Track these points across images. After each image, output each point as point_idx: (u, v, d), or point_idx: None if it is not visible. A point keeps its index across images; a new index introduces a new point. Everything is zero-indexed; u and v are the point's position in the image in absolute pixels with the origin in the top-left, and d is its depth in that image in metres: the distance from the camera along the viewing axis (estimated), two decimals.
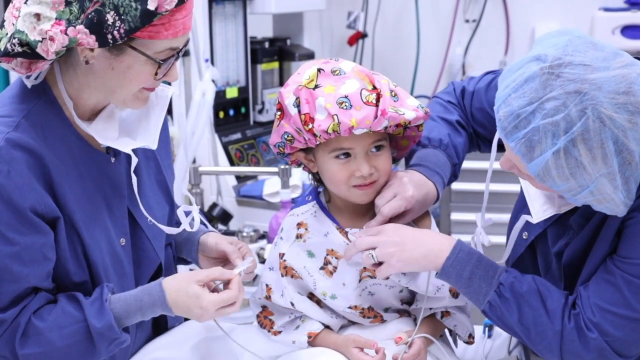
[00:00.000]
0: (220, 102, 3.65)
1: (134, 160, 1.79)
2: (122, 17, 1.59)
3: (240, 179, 3.61)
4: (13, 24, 1.63)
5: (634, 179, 1.54)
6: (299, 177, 3.34)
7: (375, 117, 1.73)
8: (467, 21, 4.51)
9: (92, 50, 1.64)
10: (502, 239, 1.92)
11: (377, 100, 1.75)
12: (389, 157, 1.85)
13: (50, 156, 1.68)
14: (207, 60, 3.46)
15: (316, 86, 1.77)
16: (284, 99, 1.81)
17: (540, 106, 1.52)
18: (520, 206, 1.90)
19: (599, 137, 1.49)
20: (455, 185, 4.14)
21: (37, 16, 1.60)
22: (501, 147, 1.69)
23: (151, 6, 1.60)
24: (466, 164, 4.29)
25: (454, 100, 2.06)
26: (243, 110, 3.81)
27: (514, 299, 1.72)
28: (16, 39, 1.61)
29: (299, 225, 1.92)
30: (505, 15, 4.46)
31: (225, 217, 3.27)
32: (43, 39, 1.60)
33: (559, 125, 1.51)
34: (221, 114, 3.69)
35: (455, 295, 1.89)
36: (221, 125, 3.67)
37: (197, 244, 2.02)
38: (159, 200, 1.93)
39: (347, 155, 1.81)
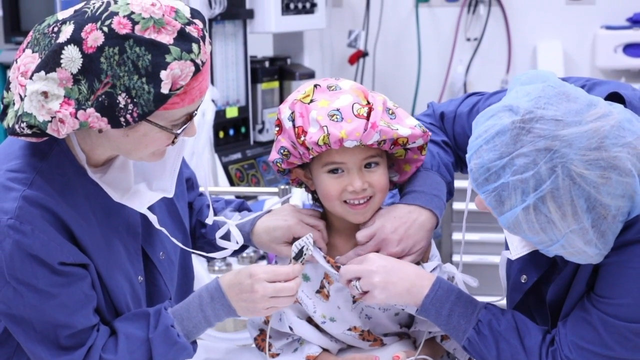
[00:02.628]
0: (220, 121, 3.63)
1: (153, 219, 1.77)
2: (135, 100, 1.51)
3: (240, 199, 3.58)
4: (20, 96, 1.56)
5: (611, 231, 1.53)
6: (299, 197, 3.31)
7: (365, 129, 1.72)
8: (468, 39, 4.51)
9: None
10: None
11: (369, 113, 1.74)
12: (384, 175, 1.83)
13: (67, 209, 1.64)
14: None
15: (311, 101, 1.78)
16: (281, 114, 1.82)
17: (510, 162, 1.51)
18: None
19: (569, 194, 1.48)
20: (457, 206, 4.13)
21: (45, 94, 1.52)
22: None
23: (164, 89, 1.52)
24: (467, 183, 4.28)
25: (435, 122, 2.04)
26: (243, 130, 3.79)
27: (492, 336, 1.72)
28: (24, 123, 1.54)
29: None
30: (506, 34, 4.45)
31: (224, 237, 3.25)
32: (52, 118, 1.53)
33: (528, 183, 1.50)
34: (221, 134, 3.67)
35: None
36: (221, 145, 3.65)
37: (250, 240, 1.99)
38: (172, 230, 1.89)
39: (340, 170, 1.79)
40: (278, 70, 3.96)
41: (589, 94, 1.57)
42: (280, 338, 1.93)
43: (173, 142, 1.65)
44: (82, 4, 1.60)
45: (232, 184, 3.60)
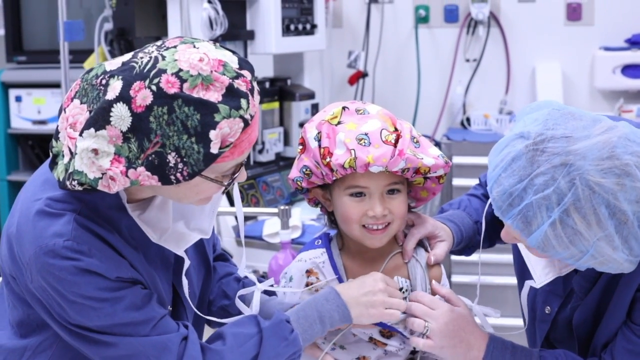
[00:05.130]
0: None
1: (187, 263, 1.77)
2: (185, 159, 1.50)
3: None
4: (69, 149, 1.56)
5: (633, 236, 1.57)
6: (299, 217, 3.32)
7: (392, 156, 1.73)
8: (467, 60, 4.53)
9: None
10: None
11: (397, 140, 1.75)
12: (404, 202, 1.84)
13: (115, 236, 1.65)
14: None
15: (339, 122, 1.78)
16: (306, 133, 1.81)
17: (530, 182, 1.56)
18: (521, 271, 1.92)
19: (591, 203, 1.53)
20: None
21: (95, 151, 1.51)
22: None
23: (214, 149, 1.51)
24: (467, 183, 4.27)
25: (485, 190, 2.09)
26: None
27: None
28: (75, 181, 1.55)
29: (309, 273, 1.89)
30: (505, 55, 4.47)
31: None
32: (103, 174, 1.52)
33: (550, 199, 1.55)
34: None
35: None
36: None
37: None
38: (196, 265, 1.89)
39: (362, 194, 1.79)
40: (278, 91, 3.97)
41: (592, 113, 1.64)
42: None
43: (223, 192, 1.67)
44: (130, 55, 1.58)
45: (232, 204, 3.60)
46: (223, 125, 1.51)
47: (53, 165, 1.63)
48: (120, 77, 1.53)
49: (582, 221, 1.53)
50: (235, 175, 1.64)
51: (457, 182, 4.12)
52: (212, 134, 1.50)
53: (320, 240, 1.92)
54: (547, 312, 1.86)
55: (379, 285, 1.79)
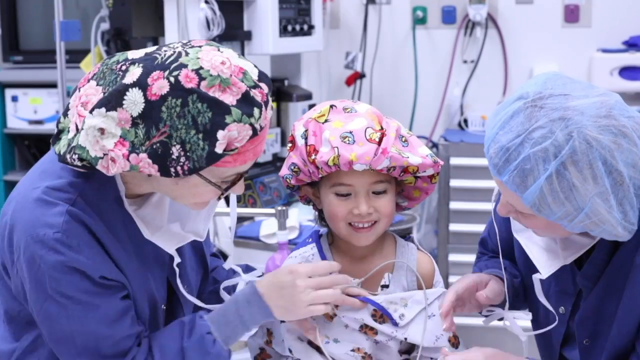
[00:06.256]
0: None
1: (176, 260, 1.77)
2: (188, 153, 1.52)
3: (237, 220, 3.57)
4: (76, 126, 1.57)
5: (628, 201, 1.57)
6: (296, 218, 3.31)
7: (375, 154, 1.73)
8: (465, 62, 4.52)
9: None
10: None
11: (381, 139, 1.75)
12: (391, 201, 1.84)
13: (106, 232, 1.66)
14: None
15: (326, 120, 1.79)
16: (295, 130, 1.83)
17: (527, 137, 1.57)
18: (527, 268, 1.90)
19: (587, 158, 1.54)
20: (453, 227, 4.14)
21: (102, 130, 1.53)
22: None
23: (219, 149, 1.53)
24: (464, 205, 4.29)
25: (485, 251, 2.10)
26: None
27: None
28: (76, 155, 1.56)
29: None
30: (503, 56, 4.47)
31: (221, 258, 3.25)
32: (104, 155, 1.54)
33: (548, 151, 1.55)
34: None
35: (455, 345, 1.86)
36: None
37: None
38: (194, 265, 1.90)
39: (348, 193, 1.80)
40: (275, 92, 3.97)
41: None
42: (279, 358, 1.94)
43: (219, 198, 1.67)
44: (155, 48, 1.60)
45: (228, 204, 3.60)
46: (232, 128, 1.52)
47: (56, 140, 1.63)
48: (141, 64, 1.55)
49: (579, 175, 1.54)
50: (235, 185, 1.65)
51: (454, 183, 4.12)
52: (220, 134, 1.52)
53: (310, 238, 1.94)
54: (561, 312, 1.84)
55: (298, 282, 1.75)
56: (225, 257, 3.26)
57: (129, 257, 1.70)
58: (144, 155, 1.52)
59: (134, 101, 1.51)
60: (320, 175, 1.79)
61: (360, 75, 4.59)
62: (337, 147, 1.73)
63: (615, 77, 4.19)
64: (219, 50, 1.59)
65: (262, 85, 1.59)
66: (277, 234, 3.05)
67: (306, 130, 1.79)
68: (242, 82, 1.55)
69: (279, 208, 3.04)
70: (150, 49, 1.60)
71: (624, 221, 1.58)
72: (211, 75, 1.52)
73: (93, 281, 1.62)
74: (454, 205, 4.15)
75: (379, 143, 1.74)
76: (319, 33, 4.02)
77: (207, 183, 1.61)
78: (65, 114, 1.63)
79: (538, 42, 4.42)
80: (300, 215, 3.44)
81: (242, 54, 3.73)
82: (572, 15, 4.36)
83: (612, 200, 1.55)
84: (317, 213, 1.94)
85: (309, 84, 4.19)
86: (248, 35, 3.71)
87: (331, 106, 1.81)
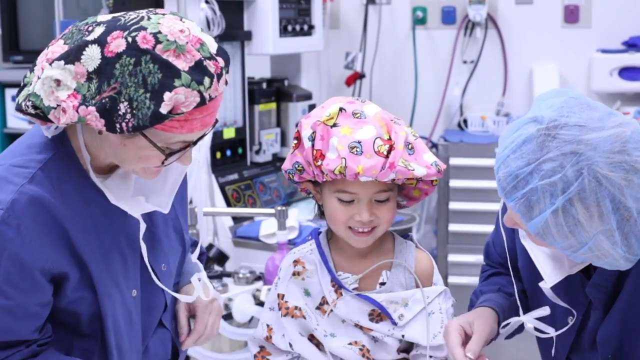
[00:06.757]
0: (217, 142, 3.64)
1: (142, 226, 1.78)
2: (134, 111, 1.54)
3: (237, 219, 3.59)
4: (38, 77, 1.61)
5: (634, 234, 1.55)
6: (296, 218, 3.31)
7: (383, 168, 1.74)
8: (464, 62, 4.53)
9: None
10: None
11: (389, 151, 1.75)
12: (393, 209, 1.85)
13: (66, 209, 1.66)
14: None
15: (334, 124, 1.78)
16: (302, 129, 1.83)
17: (537, 167, 1.55)
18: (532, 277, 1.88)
19: (596, 196, 1.52)
20: (452, 227, 4.14)
21: (57, 82, 1.57)
22: None
23: (164, 109, 1.54)
24: (463, 205, 4.30)
25: (490, 267, 2.07)
26: (240, 150, 3.80)
27: None
28: (30, 102, 1.59)
29: (296, 262, 1.92)
30: (503, 57, 4.47)
31: (221, 258, 3.25)
32: (57, 106, 1.57)
33: (556, 186, 1.53)
34: (218, 155, 3.67)
35: None
36: (218, 166, 3.66)
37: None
38: (174, 245, 1.91)
39: (351, 200, 1.81)
40: (275, 92, 3.97)
41: (607, 106, 1.62)
42: (279, 355, 1.93)
43: (163, 163, 1.67)
44: (123, 12, 1.64)
45: (228, 204, 3.60)
46: (179, 92, 1.55)
47: (19, 93, 1.65)
48: (105, 25, 1.60)
49: (585, 212, 1.52)
50: (181, 153, 1.66)
51: (453, 183, 4.12)
52: (167, 95, 1.54)
53: (310, 236, 1.95)
54: (569, 322, 1.81)
55: None
56: (225, 257, 3.27)
57: (91, 237, 1.70)
58: (92, 109, 1.55)
59: (91, 57, 1.56)
60: (324, 179, 1.80)
61: (360, 76, 4.59)
62: (344, 158, 1.73)
63: (614, 78, 4.19)
64: (181, 20, 1.62)
65: (219, 59, 1.61)
66: (277, 234, 3.06)
67: (314, 133, 1.79)
68: (198, 51, 1.58)
69: (279, 208, 3.05)
70: (119, 13, 1.65)
71: (627, 254, 1.57)
72: (168, 40, 1.56)
73: (22, 268, 1.61)
74: (453, 205, 4.15)
75: (387, 156, 1.75)
76: (319, 33, 4.02)
77: (152, 146, 1.62)
78: (32, 70, 1.66)
79: (538, 43, 4.42)
80: (300, 215, 3.44)
81: (242, 54, 3.74)
82: (571, 15, 4.36)
83: (617, 236, 1.54)
84: (317, 207, 1.95)
85: (309, 84, 4.19)
86: (248, 35, 3.71)
87: (340, 109, 1.81)
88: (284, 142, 3.99)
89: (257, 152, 3.86)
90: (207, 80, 1.57)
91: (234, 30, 3.63)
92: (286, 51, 3.91)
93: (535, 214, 1.56)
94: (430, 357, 1.87)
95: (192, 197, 3.43)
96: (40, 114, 1.59)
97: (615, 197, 1.52)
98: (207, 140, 3.38)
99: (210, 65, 1.58)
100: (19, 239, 1.60)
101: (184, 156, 1.68)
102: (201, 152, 3.36)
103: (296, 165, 1.83)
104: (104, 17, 1.64)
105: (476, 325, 1.84)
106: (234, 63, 3.72)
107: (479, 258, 2.01)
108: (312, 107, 4.04)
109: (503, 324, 1.87)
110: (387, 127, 1.79)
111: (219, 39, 3.52)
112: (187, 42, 1.57)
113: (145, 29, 1.56)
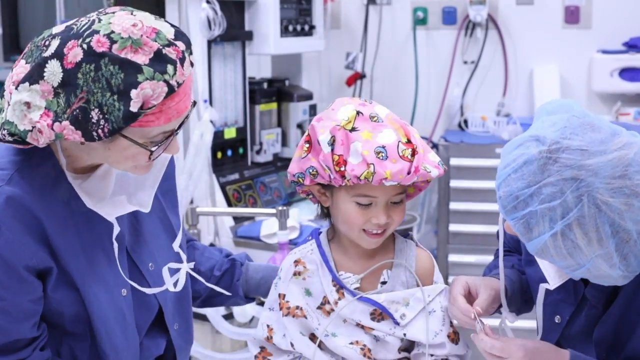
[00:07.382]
0: (218, 142, 3.64)
1: (116, 229, 1.77)
2: (106, 116, 1.54)
3: (238, 219, 3.59)
4: (8, 104, 1.61)
5: (633, 254, 1.56)
6: (297, 218, 3.32)
7: (409, 172, 1.75)
8: (465, 62, 4.53)
9: None
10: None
11: (412, 155, 1.76)
12: (404, 209, 1.87)
13: (44, 209, 1.66)
14: (205, 101, 3.46)
15: (353, 129, 1.78)
16: (317, 134, 1.81)
17: (537, 190, 1.55)
18: (536, 278, 1.89)
19: (595, 221, 1.52)
20: (453, 227, 4.14)
21: (27, 104, 1.57)
22: None
23: (134, 107, 1.55)
24: (464, 205, 4.30)
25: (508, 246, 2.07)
26: (241, 150, 3.80)
27: None
28: (6, 130, 1.59)
29: (297, 262, 1.92)
30: (503, 57, 4.47)
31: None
32: (33, 127, 1.57)
33: (555, 211, 1.53)
34: (219, 155, 3.68)
35: (455, 341, 1.87)
36: (219, 166, 3.66)
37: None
38: (163, 244, 1.90)
39: (369, 203, 1.81)
40: (276, 92, 3.97)
41: (612, 124, 1.61)
42: (280, 355, 1.94)
43: (149, 158, 1.67)
44: (75, 19, 1.64)
45: (229, 204, 3.61)
46: (145, 86, 1.54)
47: None
48: (59, 37, 1.59)
49: (584, 237, 1.53)
50: (165, 143, 1.66)
51: (454, 183, 4.12)
52: (134, 92, 1.54)
53: (310, 236, 1.96)
54: (557, 321, 1.84)
55: None
56: None
57: (71, 238, 1.70)
58: (66, 123, 1.55)
59: (53, 72, 1.56)
60: (343, 183, 1.79)
61: (361, 76, 4.60)
62: (372, 164, 1.73)
63: (615, 78, 4.19)
64: (132, 14, 1.61)
65: (178, 43, 1.60)
66: (278, 234, 3.06)
67: (333, 137, 1.78)
68: (155, 41, 1.57)
69: (280, 208, 3.05)
70: (71, 21, 1.64)
71: (625, 272, 1.57)
72: (122, 38, 1.55)
73: (8, 269, 1.61)
74: (453, 205, 4.16)
75: (411, 160, 1.76)
76: (320, 33, 4.03)
77: (135, 144, 1.62)
78: (2, 96, 1.66)
79: (538, 43, 4.42)
80: (301, 215, 3.44)
81: (244, 53, 3.74)
82: (572, 16, 4.36)
83: (615, 258, 1.54)
84: (319, 208, 1.95)
85: (310, 84, 4.20)
86: (249, 36, 3.72)
87: (358, 112, 1.80)
88: (284, 142, 4.00)
89: (258, 152, 3.87)
90: (170, 68, 1.57)
91: (235, 31, 3.64)
92: (287, 51, 3.92)
93: (534, 235, 1.57)
94: (431, 355, 1.88)
95: (193, 197, 3.44)
96: (19, 139, 1.59)
97: (615, 221, 1.52)
98: (208, 141, 3.38)
99: (170, 52, 1.58)
100: (1, 239, 1.60)
101: (170, 145, 1.69)
102: (202, 153, 3.36)
103: (310, 170, 1.82)
104: (58, 27, 1.64)
105: (481, 290, 1.87)
106: (235, 63, 3.72)
107: (480, 258, 2.02)
108: (312, 107, 4.05)
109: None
110: (403, 130, 1.80)
111: (220, 39, 3.52)
112: (142, 35, 1.56)
113: (97, 32, 1.56)
